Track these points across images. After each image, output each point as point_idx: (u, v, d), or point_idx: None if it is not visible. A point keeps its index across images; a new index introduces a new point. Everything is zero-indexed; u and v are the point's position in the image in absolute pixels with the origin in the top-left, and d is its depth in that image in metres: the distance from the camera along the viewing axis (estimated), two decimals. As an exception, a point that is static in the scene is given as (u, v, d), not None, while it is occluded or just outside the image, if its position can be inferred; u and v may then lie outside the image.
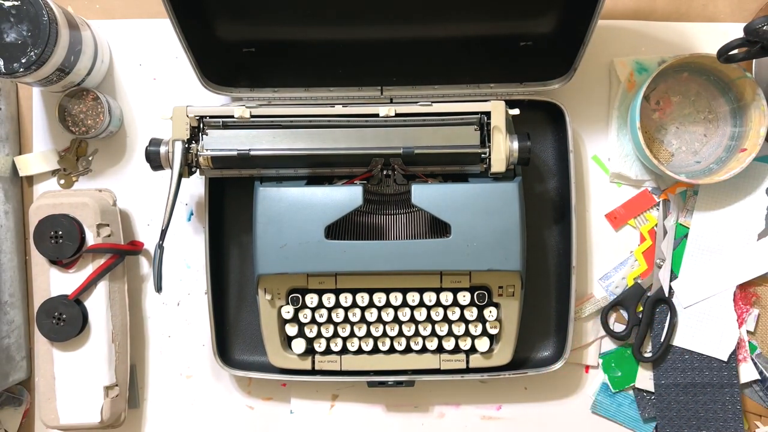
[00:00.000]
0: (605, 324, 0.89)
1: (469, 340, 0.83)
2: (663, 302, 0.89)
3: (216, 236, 0.86)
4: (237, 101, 0.87)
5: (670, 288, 0.89)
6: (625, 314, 0.89)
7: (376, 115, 0.80)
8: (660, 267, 0.89)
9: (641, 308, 0.89)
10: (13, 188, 0.89)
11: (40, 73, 0.78)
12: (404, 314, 0.82)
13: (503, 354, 0.83)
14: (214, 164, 0.81)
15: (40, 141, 0.91)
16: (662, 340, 0.88)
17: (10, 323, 0.86)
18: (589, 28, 0.76)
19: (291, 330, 0.83)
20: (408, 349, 0.83)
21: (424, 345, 0.83)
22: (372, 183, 0.83)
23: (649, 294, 0.89)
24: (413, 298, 0.81)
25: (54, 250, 0.81)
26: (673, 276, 0.89)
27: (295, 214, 0.79)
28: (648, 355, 0.89)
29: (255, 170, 0.82)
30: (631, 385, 0.89)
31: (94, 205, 0.83)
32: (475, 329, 0.82)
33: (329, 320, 0.83)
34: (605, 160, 0.91)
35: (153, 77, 0.92)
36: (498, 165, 0.79)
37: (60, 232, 0.81)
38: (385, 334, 0.83)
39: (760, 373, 0.88)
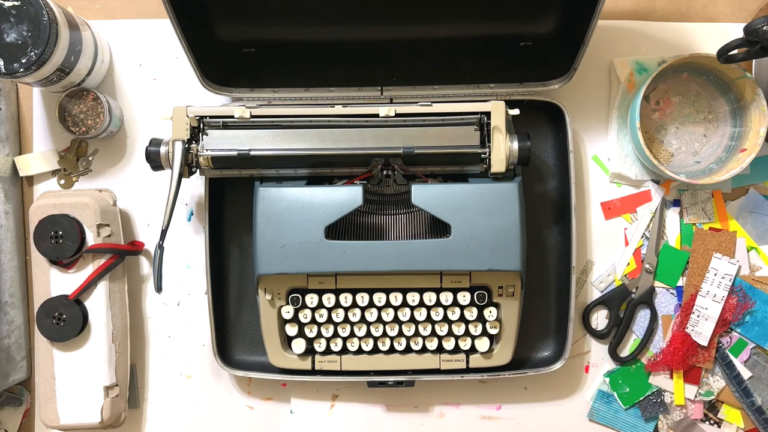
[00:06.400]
0: (586, 321, 0.89)
1: (469, 340, 0.83)
2: (646, 305, 0.89)
3: (216, 236, 0.86)
4: (237, 101, 0.87)
5: (653, 290, 0.89)
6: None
7: (376, 115, 0.80)
8: (650, 273, 0.89)
9: (625, 307, 0.89)
10: (13, 188, 0.89)
11: (40, 74, 0.78)
12: (404, 314, 0.82)
13: (503, 354, 0.83)
14: (214, 164, 0.81)
15: (40, 141, 0.91)
16: (640, 343, 0.89)
17: (10, 323, 0.86)
18: (589, 29, 0.76)
19: (291, 330, 0.83)
20: (408, 349, 0.83)
21: (424, 345, 0.83)
22: (372, 183, 0.83)
23: (633, 296, 0.89)
24: (413, 298, 0.81)
25: (54, 250, 0.81)
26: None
27: (295, 214, 0.79)
28: (624, 355, 0.89)
29: (255, 170, 0.82)
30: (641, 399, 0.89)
31: (95, 205, 0.83)
32: (475, 329, 0.82)
33: (329, 320, 0.83)
34: (605, 160, 0.91)
35: (153, 77, 0.92)
36: (498, 165, 0.79)
37: (60, 232, 0.81)
38: (385, 334, 0.83)
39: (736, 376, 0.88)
